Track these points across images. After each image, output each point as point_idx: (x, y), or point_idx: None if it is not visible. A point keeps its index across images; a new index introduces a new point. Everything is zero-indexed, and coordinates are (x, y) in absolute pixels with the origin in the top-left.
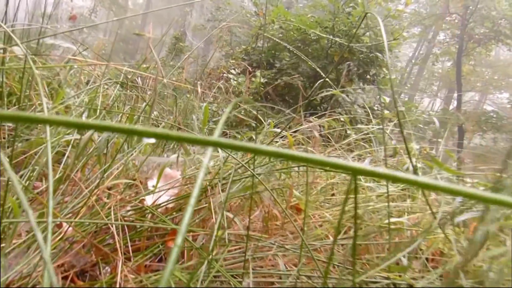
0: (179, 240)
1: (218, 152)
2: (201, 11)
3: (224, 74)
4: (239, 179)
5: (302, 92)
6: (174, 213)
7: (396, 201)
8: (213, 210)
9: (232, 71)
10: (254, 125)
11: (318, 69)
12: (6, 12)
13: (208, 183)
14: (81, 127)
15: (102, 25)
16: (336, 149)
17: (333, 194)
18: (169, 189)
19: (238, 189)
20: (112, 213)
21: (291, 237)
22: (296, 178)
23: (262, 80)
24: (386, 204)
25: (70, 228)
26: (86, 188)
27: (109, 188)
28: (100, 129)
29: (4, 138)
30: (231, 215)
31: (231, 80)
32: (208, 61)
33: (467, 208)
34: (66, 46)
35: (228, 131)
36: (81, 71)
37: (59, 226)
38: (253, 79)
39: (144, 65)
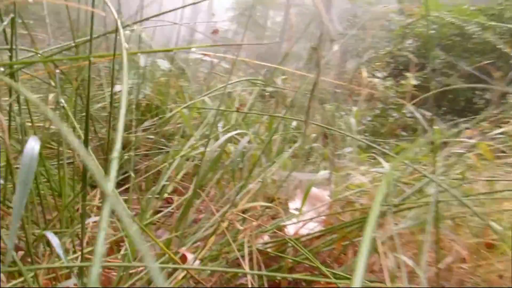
0: None
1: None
2: (339, 20)
3: (369, 79)
4: (412, 204)
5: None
6: (322, 245)
7: None
8: (381, 250)
9: (378, 74)
10: (406, 132)
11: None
12: None
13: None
14: None
15: (243, 45)
16: None
17: None
18: (316, 216)
19: (411, 219)
20: (245, 244)
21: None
22: (490, 206)
23: (414, 82)
24: None
25: (197, 261)
26: (217, 209)
27: (244, 211)
28: None
29: (148, 150)
30: (407, 260)
31: (377, 84)
32: (344, 67)
33: None
34: (208, 60)
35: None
36: (219, 79)
37: (184, 259)
38: (402, 81)
39: (283, 76)
